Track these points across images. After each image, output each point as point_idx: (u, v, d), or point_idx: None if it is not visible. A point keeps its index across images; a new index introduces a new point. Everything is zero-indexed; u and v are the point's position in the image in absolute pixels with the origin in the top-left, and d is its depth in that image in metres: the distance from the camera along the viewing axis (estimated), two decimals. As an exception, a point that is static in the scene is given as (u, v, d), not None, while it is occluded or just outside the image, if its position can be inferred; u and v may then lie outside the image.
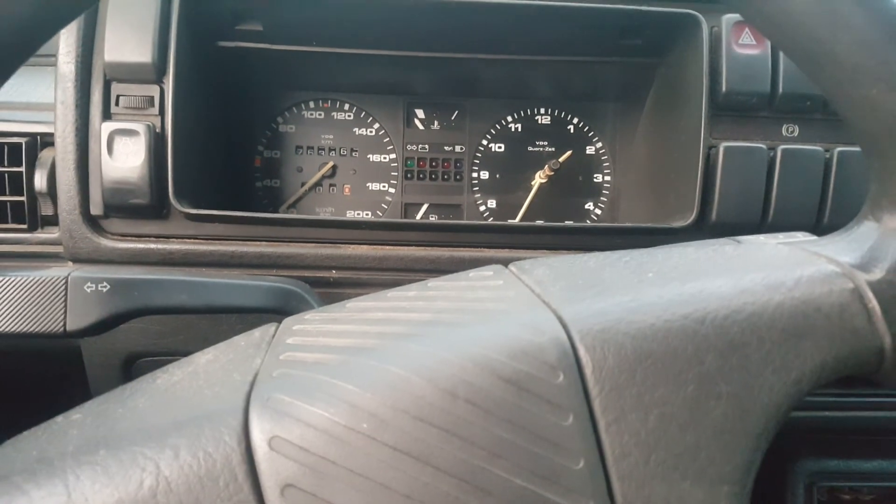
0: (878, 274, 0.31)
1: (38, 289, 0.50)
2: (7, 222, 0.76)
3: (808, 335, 0.30)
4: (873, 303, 0.31)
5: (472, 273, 0.40)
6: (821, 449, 0.94)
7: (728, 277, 0.32)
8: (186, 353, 0.38)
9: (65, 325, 0.51)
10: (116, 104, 0.71)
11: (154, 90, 0.71)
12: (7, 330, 0.50)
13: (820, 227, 0.76)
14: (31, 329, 0.50)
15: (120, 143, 0.68)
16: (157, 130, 0.70)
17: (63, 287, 0.51)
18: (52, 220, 0.76)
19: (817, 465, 0.94)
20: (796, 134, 0.77)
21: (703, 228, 0.75)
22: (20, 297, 0.51)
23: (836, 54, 0.30)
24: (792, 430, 0.87)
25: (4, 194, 0.75)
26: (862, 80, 0.30)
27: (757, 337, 0.30)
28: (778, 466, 0.95)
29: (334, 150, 0.94)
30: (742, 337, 0.30)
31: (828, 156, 0.75)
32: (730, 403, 0.29)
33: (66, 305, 0.50)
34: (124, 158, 0.68)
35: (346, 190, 0.94)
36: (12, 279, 0.51)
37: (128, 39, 0.69)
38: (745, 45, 0.73)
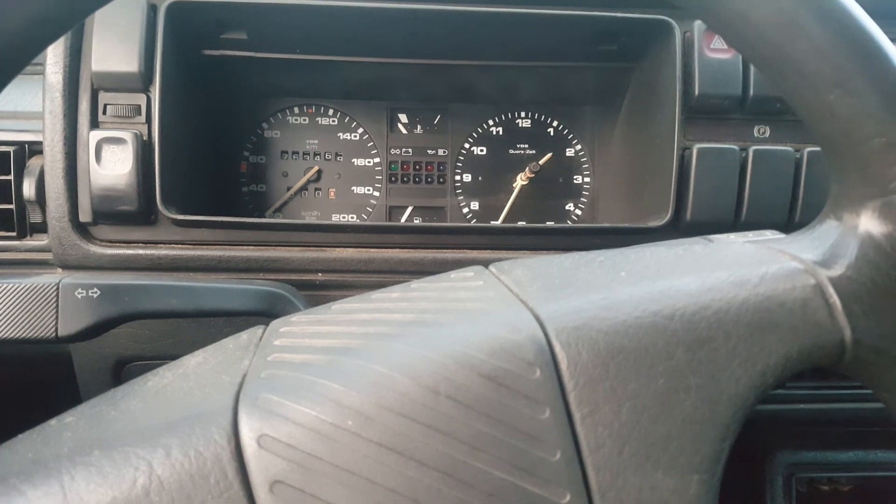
0: (838, 270, 0.32)
1: (30, 295, 0.51)
2: (-4, 230, 0.76)
3: (772, 329, 0.31)
4: (834, 298, 0.32)
5: (454, 274, 0.40)
6: (798, 441, 0.96)
7: (696, 275, 0.33)
8: (175, 357, 0.39)
9: (56, 330, 0.51)
10: (104, 113, 0.71)
11: (141, 99, 0.71)
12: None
13: (792, 225, 0.77)
14: (24, 335, 0.50)
15: (108, 151, 0.68)
16: (144, 138, 0.70)
17: (54, 293, 0.51)
18: (41, 228, 0.76)
19: (795, 456, 0.95)
20: (767, 135, 0.78)
21: (679, 228, 0.76)
22: (12, 304, 0.51)
23: (795, 61, 0.31)
24: (769, 423, 0.88)
25: None
26: (819, 86, 0.31)
27: (724, 332, 0.31)
28: (756, 459, 0.96)
29: (319, 154, 0.94)
30: (709, 332, 0.31)
31: (798, 156, 0.77)
32: (699, 395, 0.30)
33: (57, 311, 0.51)
34: (112, 166, 0.68)
35: (332, 194, 0.94)
36: (3, 286, 0.51)
37: (115, 49, 0.69)
38: (717, 50, 0.75)
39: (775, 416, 0.86)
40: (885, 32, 0.75)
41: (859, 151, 0.32)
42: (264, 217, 0.93)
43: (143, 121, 0.71)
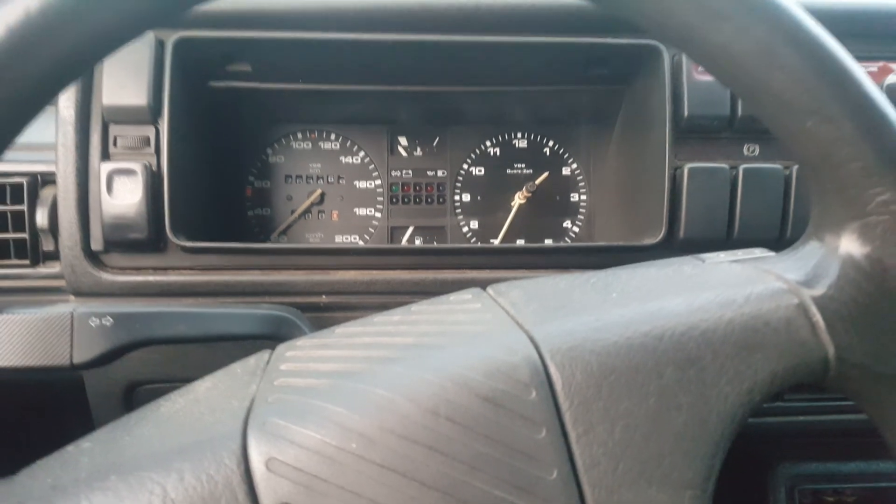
0: (820, 290, 0.33)
1: (45, 325, 0.52)
2: (10, 258, 0.77)
3: (758, 348, 0.32)
4: (817, 316, 0.33)
5: (453, 297, 0.41)
6: (800, 453, 0.95)
7: (684, 296, 0.34)
8: (184, 380, 0.40)
9: (71, 358, 0.52)
10: (114, 145, 0.73)
11: (150, 131, 0.73)
12: (16, 364, 0.51)
13: (783, 240, 0.78)
14: (40, 363, 0.51)
15: (118, 181, 0.70)
16: (154, 169, 0.72)
17: (69, 322, 0.52)
18: (53, 256, 0.77)
19: (797, 468, 0.95)
20: (757, 153, 0.79)
21: (673, 245, 0.77)
22: (28, 333, 0.52)
23: (773, 90, 0.32)
24: (771, 436, 0.88)
25: (7, 231, 0.76)
26: (797, 114, 0.32)
27: (711, 351, 0.32)
28: (759, 472, 0.96)
29: (322, 178, 0.95)
30: (698, 351, 0.32)
31: (787, 173, 0.77)
32: (689, 413, 0.31)
33: (71, 339, 0.52)
34: (123, 196, 0.70)
35: (335, 216, 0.95)
36: (20, 316, 0.52)
37: (124, 84, 0.71)
38: (705, 73, 0.76)
39: (776, 429, 0.86)
40: (857, 50, 0.76)
41: (837, 175, 0.33)
42: (269, 239, 0.94)
43: (152, 152, 0.73)
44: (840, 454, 0.93)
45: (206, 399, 0.35)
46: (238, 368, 0.39)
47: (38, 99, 0.28)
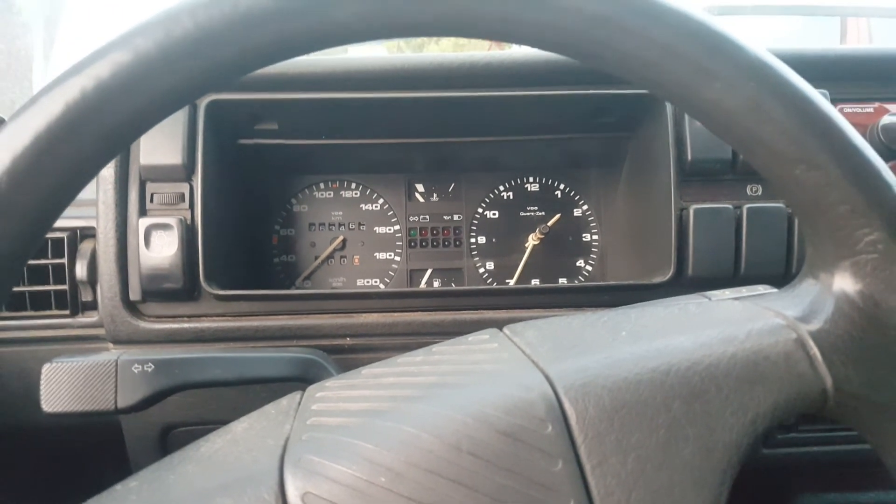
0: (817, 325, 0.34)
1: (92, 372, 0.54)
2: (51, 308, 0.80)
3: (759, 381, 0.33)
4: (814, 350, 0.34)
5: (471, 337, 0.43)
6: (820, 483, 0.94)
7: (689, 334, 0.35)
8: (216, 422, 0.41)
9: (116, 402, 0.54)
10: (151, 201, 0.76)
11: (184, 188, 0.76)
12: (64, 409, 0.54)
13: (789, 275, 0.78)
14: (86, 408, 0.54)
15: (155, 235, 0.73)
16: (188, 223, 0.75)
17: (113, 369, 0.54)
18: (91, 306, 0.79)
19: (816, 499, 0.94)
20: (760, 193, 0.80)
21: (682, 283, 0.78)
22: (75, 380, 0.54)
23: (764, 141, 0.34)
24: (790, 467, 0.87)
25: (49, 284, 0.79)
26: (787, 162, 0.34)
27: (715, 385, 0.33)
28: (780, 502, 0.95)
29: (343, 224, 0.97)
30: (703, 385, 0.33)
31: (790, 211, 0.78)
32: (696, 444, 0.32)
33: (116, 385, 0.54)
34: (160, 249, 0.73)
35: (356, 260, 0.97)
36: (68, 364, 0.54)
37: (160, 145, 0.74)
38: (705, 120, 0.78)
39: (794, 460, 0.85)
40: (853, 92, 0.77)
41: (828, 218, 0.34)
42: (294, 285, 0.96)
43: (187, 206, 0.75)
44: (858, 484, 0.92)
45: (244, 439, 0.37)
46: (272, 409, 0.40)
47: (91, 169, 0.31)
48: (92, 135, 0.29)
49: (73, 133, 0.28)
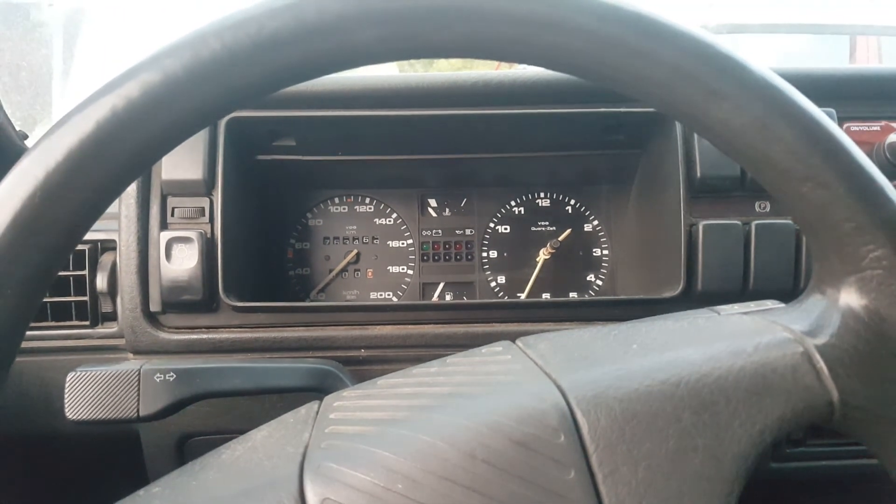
0: (823, 339, 0.35)
1: (115, 381, 0.55)
2: (72, 319, 0.81)
3: (767, 393, 0.33)
4: (821, 363, 0.34)
5: (485, 349, 0.43)
6: (827, 498, 0.93)
7: (699, 346, 0.36)
8: (232, 431, 0.41)
9: (138, 411, 0.55)
10: (172, 215, 0.77)
11: (204, 202, 0.77)
12: (88, 417, 0.55)
13: (797, 290, 0.78)
14: (109, 416, 0.55)
15: (176, 248, 0.74)
16: (208, 236, 0.76)
17: (136, 378, 0.55)
18: (111, 317, 0.81)
19: (828, 513, 0.93)
20: (768, 209, 0.80)
21: (691, 297, 0.78)
22: (99, 389, 0.55)
23: (771, 159, 0.34)
24: (800, 481, 0.87)
25: (69, 295, 0.81)
26: (794, 180, 0.34)
27: (724, 396, 0.33)
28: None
29: (357, 238, 0.98)
30: (712, 397, 0.33)
31: (798, 227, 0.78)
32: (705, 454, 0.32)
33: (139, 394, 0.55)
34: (180, 262, 0.74)
35: (370, 274, 0.98)
36: (92, 373, 0.56)
37: (181, 160, 0.76)
38: (715, 137, 0.79)
39: (804, 474, 0.85)
40: (861, 111, 0.77)
41: (834, 234, 0.34)
42: (309, 297, 0.97)
43: (207, 220, 0.77)
44: (866, 499, 0.91)
45: (263, 446, 0.37)
46: (290, 418, 0.41)
47: (119, 185, 0.32)
48: (122, 153, 0.30)
49: (103, 151, 0.29)
